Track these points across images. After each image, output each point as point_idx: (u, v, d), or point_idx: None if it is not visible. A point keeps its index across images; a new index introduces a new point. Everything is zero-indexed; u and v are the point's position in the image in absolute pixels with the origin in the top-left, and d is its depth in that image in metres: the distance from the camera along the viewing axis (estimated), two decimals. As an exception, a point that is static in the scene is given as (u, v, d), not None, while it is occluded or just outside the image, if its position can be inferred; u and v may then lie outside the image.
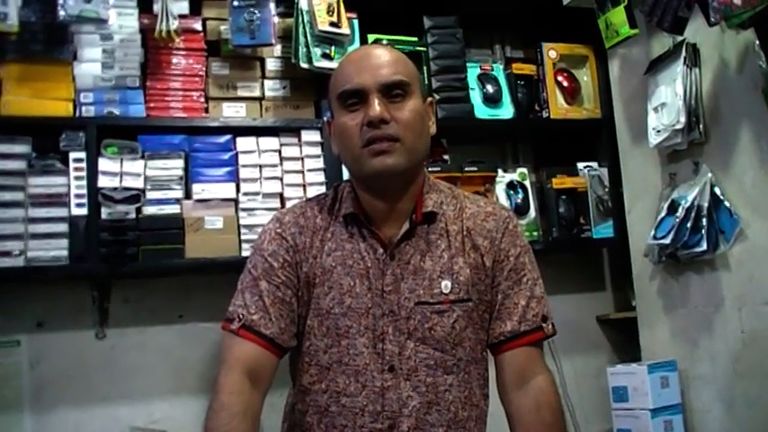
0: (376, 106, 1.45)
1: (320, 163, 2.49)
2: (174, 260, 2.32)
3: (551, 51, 2.86)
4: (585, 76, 2.93)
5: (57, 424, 2.35)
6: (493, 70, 2.85)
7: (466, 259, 1.53)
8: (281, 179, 2.47)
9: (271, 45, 2.47)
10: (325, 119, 1.59)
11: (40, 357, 2.37)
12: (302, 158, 2.49)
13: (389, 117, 1.45)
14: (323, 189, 2.43)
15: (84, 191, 2.24)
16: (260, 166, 2.45)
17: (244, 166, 2.43)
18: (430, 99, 1.59)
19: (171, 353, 2.51)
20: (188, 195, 2.38)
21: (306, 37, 2.43)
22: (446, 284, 1.50)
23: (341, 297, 1.50)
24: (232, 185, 2.41)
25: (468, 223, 1.56)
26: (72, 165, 2.25)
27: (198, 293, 2.53)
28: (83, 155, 2.26)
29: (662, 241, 2.29)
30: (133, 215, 2.28)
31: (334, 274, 1.51)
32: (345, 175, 2.42)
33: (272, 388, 1.49)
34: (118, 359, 2.46)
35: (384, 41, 2.56)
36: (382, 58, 1.50)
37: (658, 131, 2.33)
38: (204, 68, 2.46)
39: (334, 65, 2.42)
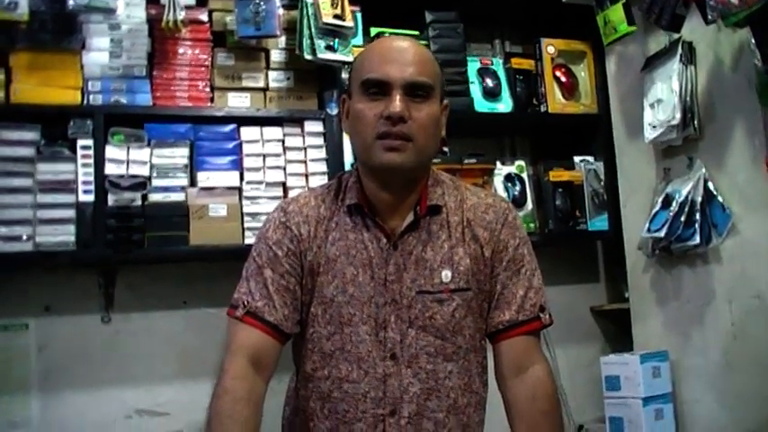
0: (397, 102, 1.45)
1: (323, 153, 2.51)
2: (178, 247, 2.33)
3: (550, 47, 2.89)
4: (583, 72, 2.95)
5: (63, 405, 2.38)
6: (492, 65, 2.88)
7: (466, 249, 1.55)
8: (284, 169, 2.48)
9: (275, 37, 2.48)
10: (343, 96, 1.60)
11: (47, 340, 2.39)
12: (305, 148, 2.51)
13: (408, 116, 1.46)
14: (325, 179, 2.45)
15: (92, 178, 2.25)
16: (263, 156, 2.46)
17: (248, 155, 2.45)
18: (445, 103, 1.58)
19: (175, 338, 2.53)
20: (193, 183, 2.39)
21: (310, 29, 2.44)
22: (446, 274, 1.52)
23: (344, 286, 1.52)
24: (236, 174, 2.43)
25: (469, 214, 1.58)
26: (79, 152, 2.25)
27: (201, 280, 2.55)
28: (90, 142, 2.26)
29: (656, 234, 2.32)
30: (139, 202, 2.30)
31: (337, 264, 1.53)
32: (347, 165, 2.45)
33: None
34: (123, 343, 2.47)
35: (386, 34, 2.58)
36: (412, 56, 1.50)
37: (654, 127, 2.36)
38: (210, 59, 2.47)
39: (337, 57, 2.45)
